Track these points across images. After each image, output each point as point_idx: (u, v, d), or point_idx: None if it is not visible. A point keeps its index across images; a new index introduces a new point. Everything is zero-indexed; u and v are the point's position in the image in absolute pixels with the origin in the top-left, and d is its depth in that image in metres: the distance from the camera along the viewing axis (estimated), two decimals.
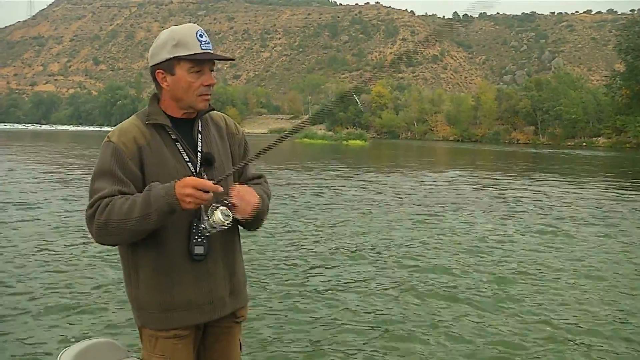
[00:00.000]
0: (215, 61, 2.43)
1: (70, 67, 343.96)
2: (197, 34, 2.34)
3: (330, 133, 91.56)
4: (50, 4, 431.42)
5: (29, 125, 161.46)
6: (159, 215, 2.17)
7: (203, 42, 2.34)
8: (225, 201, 2.29)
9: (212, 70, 2.41)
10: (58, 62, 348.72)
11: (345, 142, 70.03)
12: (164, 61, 2.34)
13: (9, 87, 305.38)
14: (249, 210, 2.34)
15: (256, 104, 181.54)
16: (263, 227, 2.40)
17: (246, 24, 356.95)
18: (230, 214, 2.27)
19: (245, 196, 2.33)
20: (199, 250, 2.35)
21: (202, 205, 2.24)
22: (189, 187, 2.15)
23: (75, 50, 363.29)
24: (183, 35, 2.33)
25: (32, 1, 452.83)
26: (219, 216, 2.24)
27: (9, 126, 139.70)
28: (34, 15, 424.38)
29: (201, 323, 2.49)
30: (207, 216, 2.27)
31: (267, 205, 2.54)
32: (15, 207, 12.61)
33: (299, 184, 19.06)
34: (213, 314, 2.47)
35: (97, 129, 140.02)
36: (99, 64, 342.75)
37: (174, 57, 2.32)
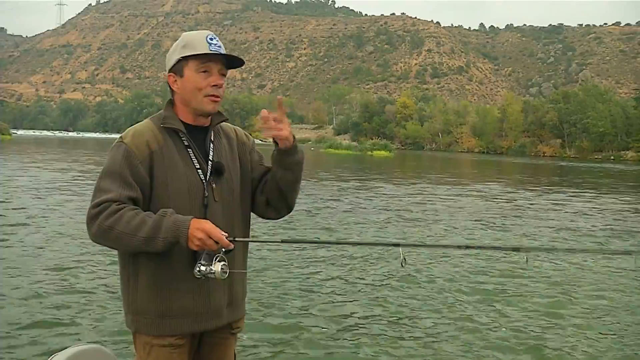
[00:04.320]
0: (231, 69, 2.48)
1: (97, 75, 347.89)
2: (206, 37, 2.38)
3: (354, 143, 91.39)
4: (79, 13, 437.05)
5: (56, 132, 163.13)
6: (165, 244, 2.19)
7: (212, 44, 2.36)
8: (225, 254, 2.28)
9: (223, 75, 2.43)
10: (86, 70, 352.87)
11: (369, 153, 69.81)
12: (175, 64, 2.40)
13: (37, 95, 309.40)
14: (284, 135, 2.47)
15: None
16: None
17: (272, 34, 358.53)
18: (228, 271, 2.26)
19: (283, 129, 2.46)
20: None
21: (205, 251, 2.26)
22: (203, 232, 2.17)
23: (102, 58, 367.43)
24: (192, 38, 2.39)
25: (61, 10, 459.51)
26: (219, 269, 2.24)
27: (37, 133, 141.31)
28: (63, 24, 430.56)
29: (197, 332, 2.46)
30: (206, 262, 2.26)
31: (301, 167, 2.55)
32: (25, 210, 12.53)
33: (315, 196, 18.83)
34: (209, 324, 2.44)
35: None
36: (126, 72, 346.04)
37: (182, 58, 2.37)
